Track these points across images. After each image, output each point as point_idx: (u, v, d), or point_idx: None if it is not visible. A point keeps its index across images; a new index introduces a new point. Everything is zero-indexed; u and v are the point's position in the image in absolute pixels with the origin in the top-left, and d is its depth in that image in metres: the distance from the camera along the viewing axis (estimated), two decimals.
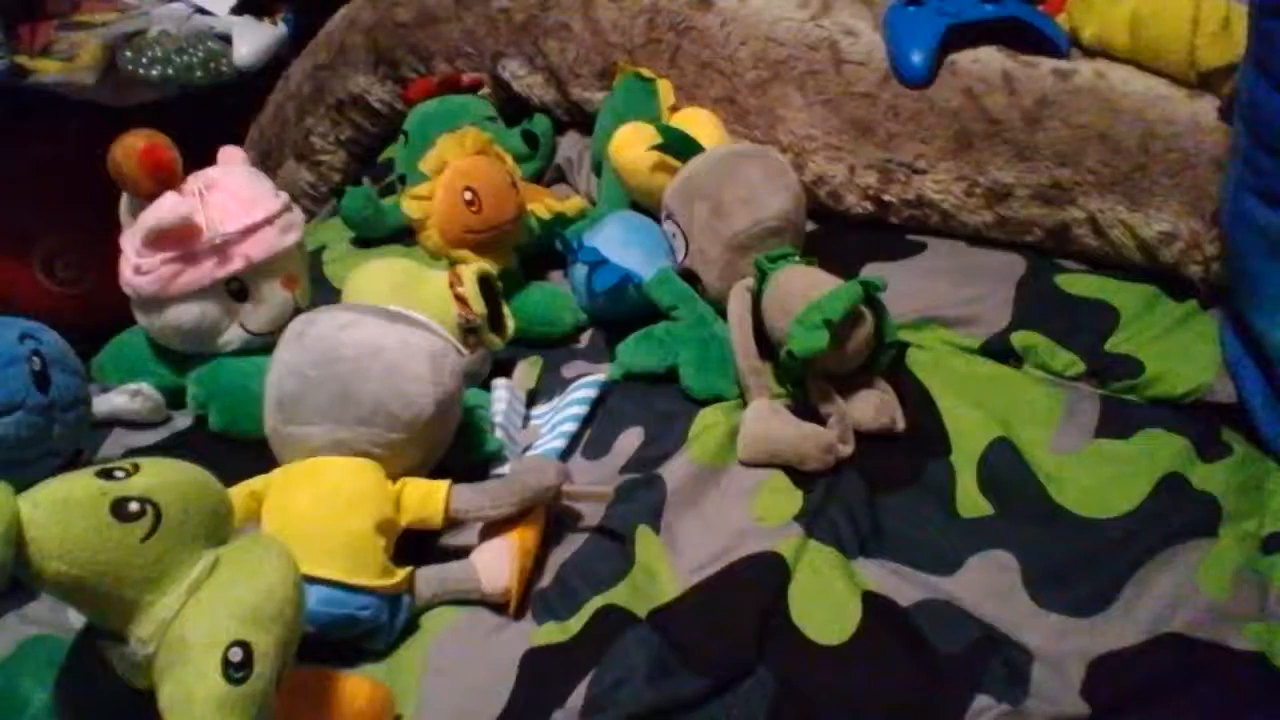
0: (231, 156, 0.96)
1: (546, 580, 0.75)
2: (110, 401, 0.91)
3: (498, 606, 0.72)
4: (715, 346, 0.93)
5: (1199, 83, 0.98)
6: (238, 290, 0.89)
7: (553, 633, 0.71)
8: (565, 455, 0.86)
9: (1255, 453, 0.86)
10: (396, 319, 0.77)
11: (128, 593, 0.52)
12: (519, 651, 0.69)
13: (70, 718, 0.58)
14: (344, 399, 0.72)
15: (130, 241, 0.88)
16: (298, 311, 0.93)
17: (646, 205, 1.08)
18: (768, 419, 0.84)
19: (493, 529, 0.75)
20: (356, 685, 0.63)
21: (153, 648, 0.52)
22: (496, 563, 0.72)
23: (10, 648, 0.69)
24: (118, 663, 0.54)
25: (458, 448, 0.81)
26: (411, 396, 0.73)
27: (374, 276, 0.94)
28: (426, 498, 0.74)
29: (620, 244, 1.00)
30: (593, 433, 0.90)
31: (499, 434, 0.85)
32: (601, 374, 0.94)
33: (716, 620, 0.71)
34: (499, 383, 0.93)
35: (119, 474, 0.53)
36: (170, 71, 1.56)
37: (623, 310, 0.99)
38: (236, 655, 0.52)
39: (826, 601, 0.73)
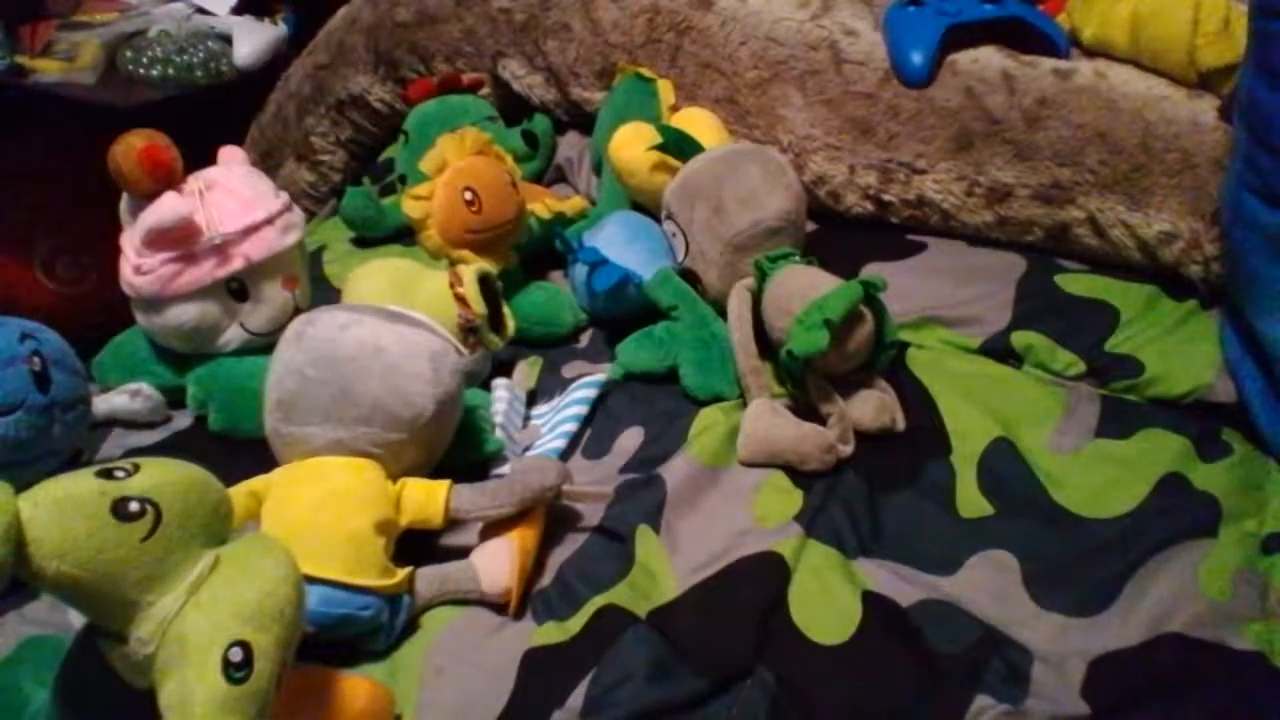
0: (231, 156, 0.96)
1: (546, 580, 0.75)
2: (110, 401, 0.91)
3: (498, 606, 0.72)
4: (715, 346, 0.93)
5: (1199, 83, 0.98)
6: (238, 290, 0.89)
7: (553, 633, 0.71)
8: (565, 455, 0.86)
9: (1255, 453, 0.86)
10: (396, 319, 0.77)
11: (128, 593, 0.52)
12: (519, 651, 0.69)
13: (70, 718, 0.58)
14: (344, 399, 0.72)
15: (130, 241, 0.88)
16: (298, 311, 0.93)
17: (646, 205, 1.08)
18: (768, 419, 0.84)
19: (493, 529, 0.75)
20: (356, 685, 0.63)
21: (153, 647, 0.52)
22: (496, 563, 0.72)
23: (10, 648, 0.69)
24: (118, 662, 0.54)
25: (457, 448, 0.81)
26: (411, 396, 0.73)
27: (374, 276, 0.94)
28: (427, 498, 0.74)
29: (620, 244, 1.00)
30: (593, 433, 0.90)
31: (499, 434, 0.85)
32: (601, 374, 0.94)
33: (716, 620, 0.71)
34: (499, 383, 0.93)
35: (119, 474, 0.53)
36: (170, 71, 1.56)
37: (623, 310, 0.99)
38: (236, 655, 0.52)
39: (826, 601, 0.73)
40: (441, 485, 0.74)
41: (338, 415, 0.72)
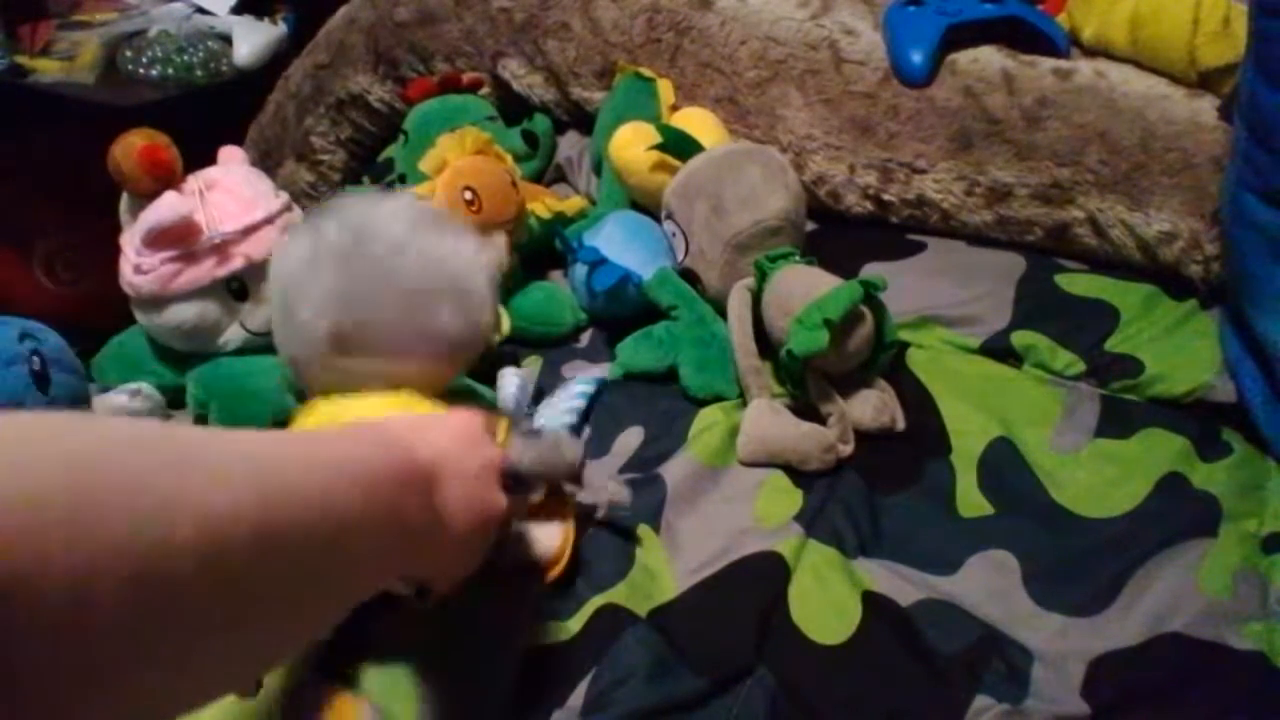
0: (231, 156, 0.96)
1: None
2: (110, 401, 0.91)
3: (499, 606, 0.72)
4: (715, 346, 0.93)
5: (1199, 82, 0.98)
6: (238, 290, 0.89)
7: (553, 632, 0.71)
8: None
9: (1255, 453, 0.86)
10: (442, 228, 0.71)
11: None
12: (519, 651, 0.69)
13: None
14: (415, 327, 0.67)
15: (130, 241, 0.88)
16: None
17: (646, 205, 1.08)
18: (768, 419, 0.84)
19: (540, 511, 0.72)
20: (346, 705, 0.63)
21: None
22: (546, 536, 0.71)
23: None
24: None
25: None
26: (474, 315, 0.70)
27: None
28: None
29: (620, 244, 1.00)
30: (593, 433, 0.90)
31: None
32: (598, 372, 0.94)
33: (716, 620, 0.71)
34: (508, 371, 0.92)
35: None
36: (170, 71, 1.56)
37: (623, 310, 0.99)
38: None
39: (826, 601, 0.73)
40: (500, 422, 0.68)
41: (408, 346, 0.67)
